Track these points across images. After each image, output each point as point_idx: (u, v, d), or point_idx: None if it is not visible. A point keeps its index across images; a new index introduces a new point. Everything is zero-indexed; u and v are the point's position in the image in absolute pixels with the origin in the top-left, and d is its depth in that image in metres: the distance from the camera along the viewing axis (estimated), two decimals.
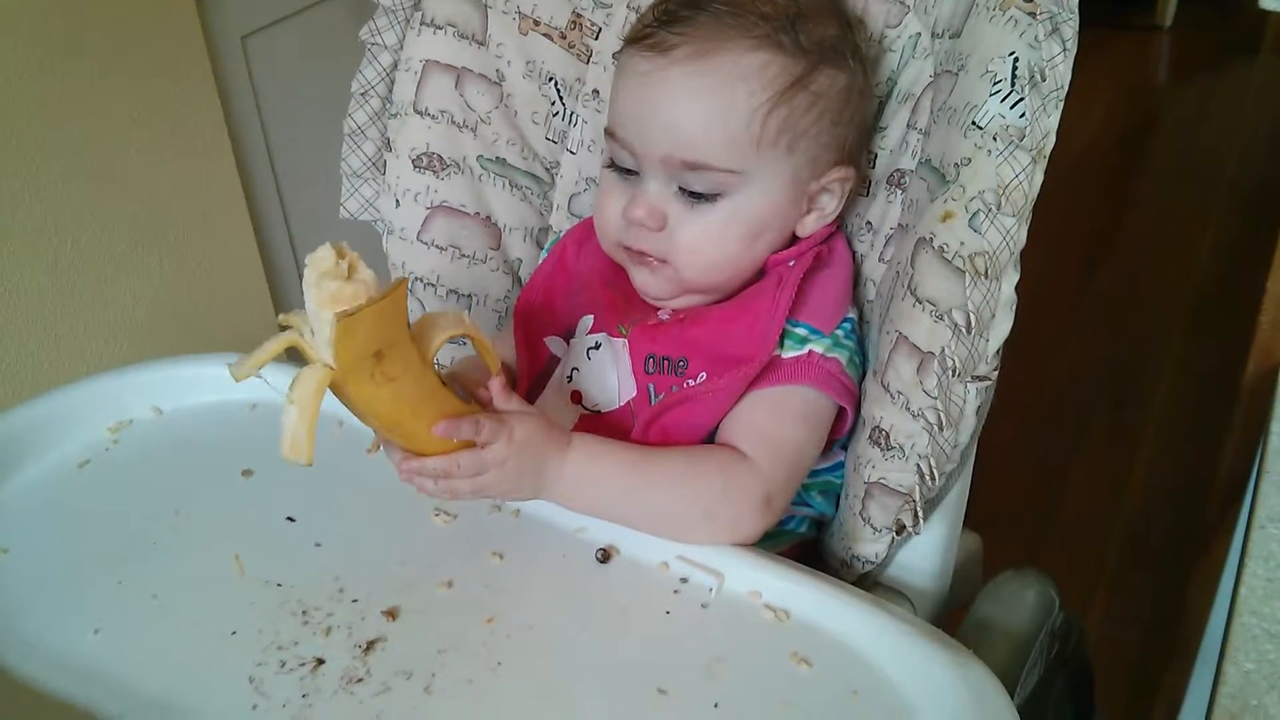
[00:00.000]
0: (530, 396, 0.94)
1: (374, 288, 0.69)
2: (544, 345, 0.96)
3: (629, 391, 0.90)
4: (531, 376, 0.95)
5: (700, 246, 0.87)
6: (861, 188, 0.97)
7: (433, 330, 0.75)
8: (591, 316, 0.93)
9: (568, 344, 0.94)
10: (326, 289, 0.68)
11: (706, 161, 0.84)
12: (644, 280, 0.91)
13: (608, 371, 0.91)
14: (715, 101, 0.83)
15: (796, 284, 0.87)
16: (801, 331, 0.87)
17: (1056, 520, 1.98)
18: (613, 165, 0.90)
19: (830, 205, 0.90)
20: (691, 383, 0.88)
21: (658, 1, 0.90)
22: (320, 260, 0.69)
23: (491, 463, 0.77)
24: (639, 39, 0.87)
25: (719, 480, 0.82)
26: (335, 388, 0.72)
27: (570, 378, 0.92)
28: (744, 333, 0.87)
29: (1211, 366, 2.26)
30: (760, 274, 0.91)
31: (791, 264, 0.89)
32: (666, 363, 0.89)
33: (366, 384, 0.72)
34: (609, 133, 0.90)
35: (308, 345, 0.70)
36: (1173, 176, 3.00)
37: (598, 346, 0.92)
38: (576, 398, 0.92)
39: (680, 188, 0.86)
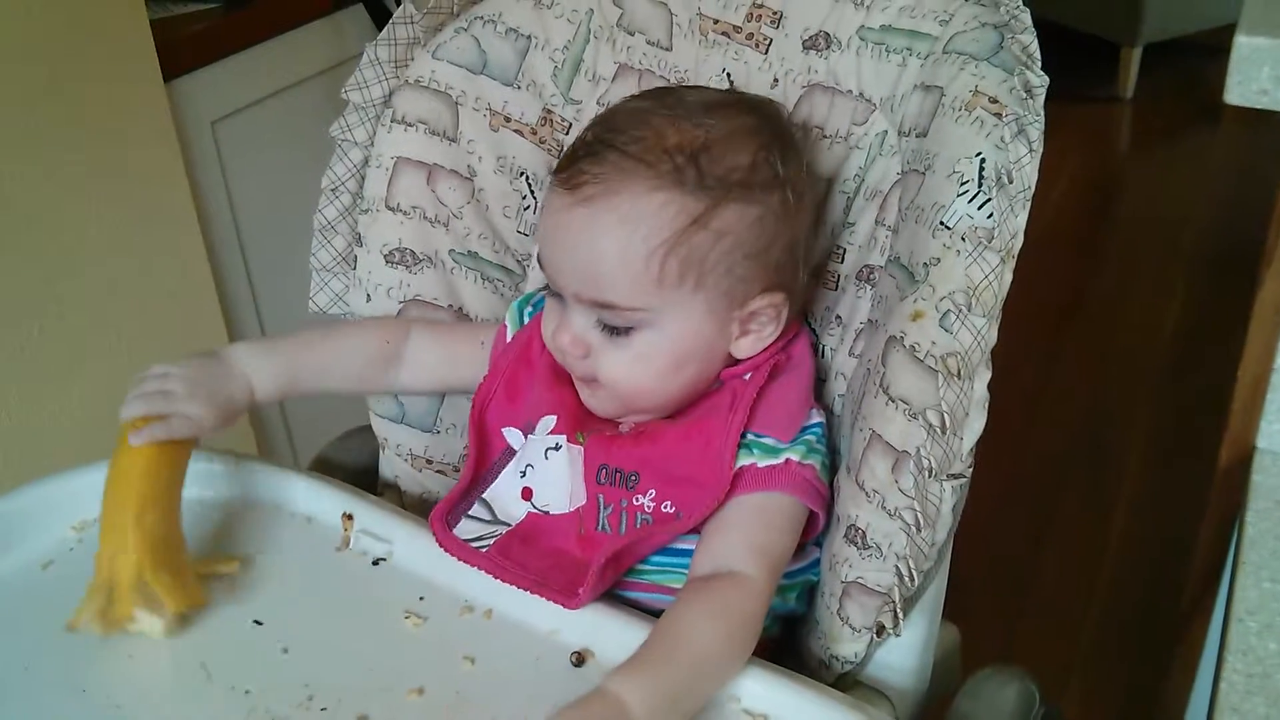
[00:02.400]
0: (479, 485, 0.94)
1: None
2: (501, 435, 0.95)
3: (579, 499, 0.89)
4: (483, 466, 0.95)
5: (621, 377, 0.87)
6: (830, 282, 0.97)
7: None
8: (555, 417, 0.92)
9: (525, 438, 0.94)
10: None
11: (612, 301, 0.85)
12: (588, 399, 0.91)
13: (562, 475, 0.90)
14: (613, 244, 0.83)
15: (749, 404, 0.87)
16: (768, 442, 0.87)
17: (1029, 597, 1.97)
18: (548, 286, 0.90)
19: (768, 329, 0.89)
20: (641, 498, 0.87)
21: (586, 128, 0.91)
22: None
23: None
24: (558, 170, 0.87)
25: (737, 625, 0.80)
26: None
27: (524, 473, 0.92)
28: (697, 454, 0.87)
29: (1182, 434, 2.27)
30: (718, 382, 0.91)
31: (747, 377, 0.89)
32: (618, 475, 0.88)
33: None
34: (537, 258, 0.91)
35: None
36: (1138, 243, 3.04)
37: (557, 448, 0.91)
38: (527, 494, 0.91)
39: (599, 319, 0.86)
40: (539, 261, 0.91)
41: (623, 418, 0.91)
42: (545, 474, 0.91)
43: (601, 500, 0.88)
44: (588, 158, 0.85)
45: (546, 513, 0.90)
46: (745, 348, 0.89)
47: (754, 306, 0.87)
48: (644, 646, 0.78)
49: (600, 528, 0.88)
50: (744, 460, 0.86)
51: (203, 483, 0.98)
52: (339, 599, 0.88)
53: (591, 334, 0.87)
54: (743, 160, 0.85)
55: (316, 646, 0.83)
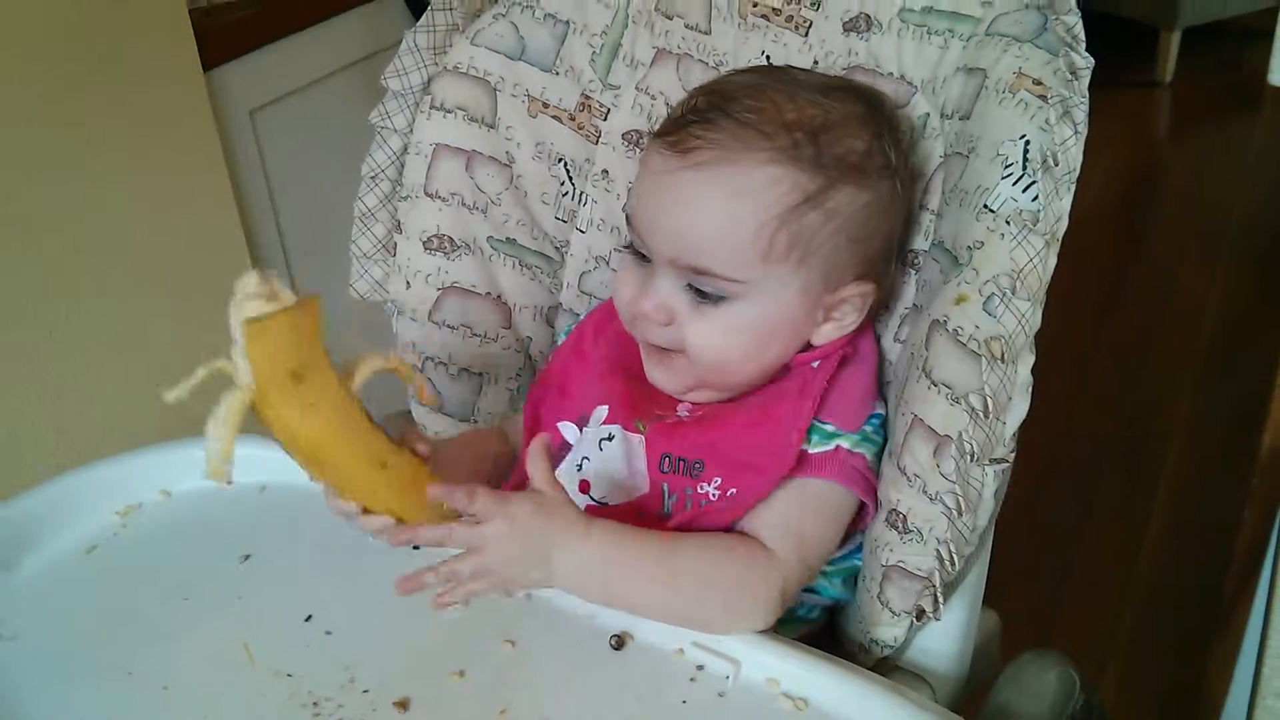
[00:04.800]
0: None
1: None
2: (556, 429, 0.95)
3: (641, 488, 0.89)
4: None
5: (709, 347, 0.86)
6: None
7: (356, 365, 0.76)
8: (606, 407, 0.92)
9: (580, 431, 0.93)
10: (247, 309, 0.70)
11: (711, 269, 0.84)
12: (656, 374, 0.90)
13: (619, 465, 0.90)
14: (722, 213, 0.83)
15: (820, 392, 0.86)
16: (828, 428, 0.87)
17: (1068, 585, 1.96)
18: (631, 247, 0.90)
19: (849, 317, 0.89)
20: (706, 486, 0.87)
21: (690, 94, 0.90)
22: (245, 284, 0.71)
23: (491, 538, 0.76)
24: (663, 134, 0.87)
25: (742, 575, 0.81)
26: (259, 412, 0.72)
27: (580, 466, 0.92)
28: (763, 441, 0.86)
29: (1223, 424, 2.24)
30: (785, 368, 0.90)
31: (816, 365, 0.88)
32: (682, 464, 0.88)
33: (285, 407, 0.72)
34: (627, 219, 0.90)
35: (232, 369, 0.71)
36: (1178, 230, 3.00)
37: (611, 438, 0.91)
38: (585, 487, 0.91)
39: (689, 285, 0.86)
40: (628, 221, 0.90)
41: (686, 395, 0.91)
42: (600, 465, 0.90)
43: (666, 489, 0.88)
44: (701, 123, 0.84)
45: (604, 504, 0.90)
46: (824, 334, 0.89)
47: (844, 293, 0.87)
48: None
49: (664, 515, 0.88)
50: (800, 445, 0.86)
51: (246, 468, 0.97)
52: (380, 583, 0.88)
53: (679, 301, 0.86)
54: (859, 145, 0.85)
55: (358, 629, 0.83)
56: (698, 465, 0.87)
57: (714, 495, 0.87)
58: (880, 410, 0.90)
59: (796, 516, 0.84)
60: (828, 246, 0.84)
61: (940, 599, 0.83)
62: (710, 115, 0.84)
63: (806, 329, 0.88)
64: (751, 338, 0.86)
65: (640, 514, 0.88)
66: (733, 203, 0.83)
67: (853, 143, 0.85)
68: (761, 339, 0.87)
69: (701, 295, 0.85)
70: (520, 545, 0.77)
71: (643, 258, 0.88)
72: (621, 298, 0.90)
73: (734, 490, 0.86)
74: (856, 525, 0.88)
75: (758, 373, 0.89)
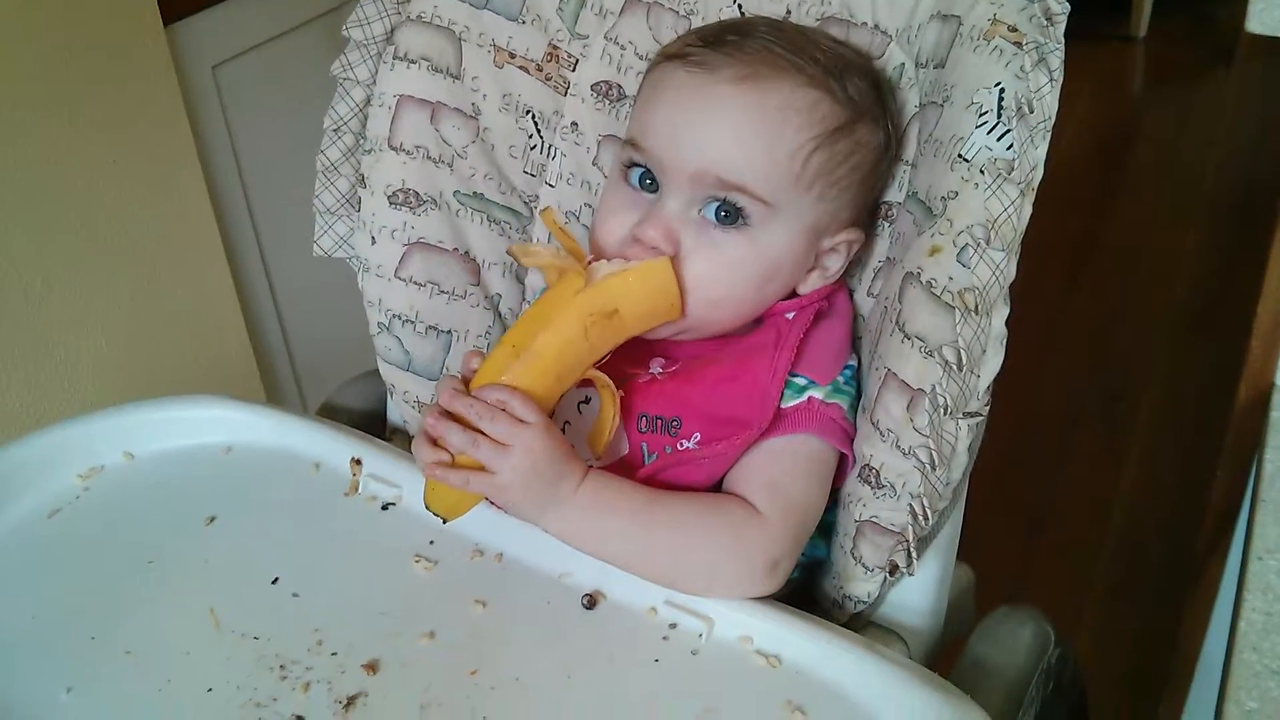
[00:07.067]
0: None
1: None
2: None
3: (621, 449, 0.88)
4: None
5: (711, 280, 0.85)
6: None
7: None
8: None
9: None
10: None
11: (744, 184, 0.83)
12: None
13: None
14: (765, 127, 0.82)
15: (796, 344, 0.85)
16: (800, 381, 0.86)
17: (1042, 540, 1.97)
18: (625, 178, 0.88)
19: (834, 266, 0.89)
20: (685, 443, 0.86)
21: (695, 29, 0.91)
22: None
23: (508, 468, 0.77)
24: (679, 55, 0.86)
25: (727, 537, 0.80)
26: (557, 280, 0.81)
27: (564, 430, 0.90)
28: (741, 395, 0.85)
29: (1197, 379, 2.26)
30: (759, 320, 0.90)
31: (790, 316, 0.88)
32: (659, 422, 0.87)
33: (575, 312, 0.79)
34: (631, 142, 0.88)
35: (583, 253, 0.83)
36: (1151, 187, 3.01)
37: (588, 401, 0.89)
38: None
39: (702, 211, 0.84)
40: (633, 144, 0.87)
41: (665, 335, 0.89)
42: (581, 429, 0.89)
43: (645, 448, 0.87)
44: (724, 45, 0.84)
45: (590, 466, 0.89)
46: (810, 283, 0.89)
47: (838, 239, 0.87)
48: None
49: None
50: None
51: (211, 429, 0.97)
52: (348, 544, 0.87)
53: (687, 228, 0.84)
54: (869, 90, 0.87)
55: (326, 591, 0.83)
56: (675, 423, 0.87)
57: (694, 449, 0.86)
58: (853, 361, 0.90)
59: (786, 479, 0.83)
60: (844, 182, 0.85)
61: (914, 554, 0.83)
62: (733, 39, 0.85)
63: (800, 273, 0.88)
64: (756, 273, 0.85)
65: (624, 474, 0.87)
66: (777, 117, 0.82)
67: (865, 85, 0.87)
68: (764, 275, 0.86)
69: (719, 219, 0.84)
70: (529, 482, 0.78)
71: (645, 184, 0.87)
72: (613, 228, 0.88)
73: (714, 444, 0.85)
74: (836, 480, 0.87)
75: (746, 314, 0.88)
